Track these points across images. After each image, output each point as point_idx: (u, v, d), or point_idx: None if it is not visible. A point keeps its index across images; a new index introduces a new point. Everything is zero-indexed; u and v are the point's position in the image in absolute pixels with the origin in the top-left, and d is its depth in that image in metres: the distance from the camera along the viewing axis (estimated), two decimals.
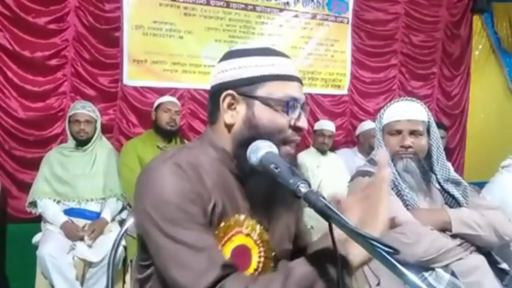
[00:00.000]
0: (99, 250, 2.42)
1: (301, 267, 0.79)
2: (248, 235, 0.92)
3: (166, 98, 2.98)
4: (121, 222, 2.65)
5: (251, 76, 0.90)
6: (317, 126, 3.50)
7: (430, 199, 1.55)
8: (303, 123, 0.93)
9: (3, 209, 2.78)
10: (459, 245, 1.43)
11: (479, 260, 1.44)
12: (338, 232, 0.70)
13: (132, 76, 3.17)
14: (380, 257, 0.65)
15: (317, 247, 0.86)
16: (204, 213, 0.85)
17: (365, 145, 3.56)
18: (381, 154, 0.86)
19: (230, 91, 0.91)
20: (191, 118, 3.39)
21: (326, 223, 0.72)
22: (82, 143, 2.67)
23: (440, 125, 2.81)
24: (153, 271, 0.91)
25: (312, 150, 3.49)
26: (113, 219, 2.63)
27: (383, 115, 1.60)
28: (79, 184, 2.58)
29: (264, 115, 0.89)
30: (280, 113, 0.90)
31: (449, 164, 1.60)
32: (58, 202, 2.56)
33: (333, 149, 3.64)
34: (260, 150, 0.84)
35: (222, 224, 0.89)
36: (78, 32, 3.01)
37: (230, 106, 0.92)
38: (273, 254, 0.96)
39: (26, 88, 2.88)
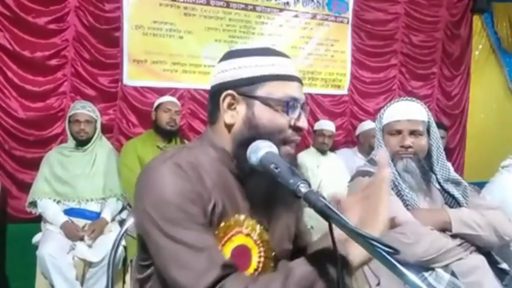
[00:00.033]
0: (99, 250, 2.42)
1: (301, 267, 0.79)
2: (248, 235, 0.92)
3: (166, 98, 2.98)
4: (121, 222, 2.65)
5: (251, 76, 0.90)
6: (317, 126, 3.50)
7: (430, 199, 1.54)
8: (303, 123, 0.93)
9: (3, 209, 2.78)
10: (459, 245, 1.43)
11: (479, 260, 1.44)
12: (338, 232, 0.70)
13: (132, 76, 3.17)
14: (380, 257, 0.65)
15: (317, 247, 0.86)
16: (204, 213, 0.85)
17: (365, 145, 3.56)
18: (381, 154, 0.86)
19: (230, 91, 0.91)
20: (191, 118, 3.39)
21: (326, 223, 0.72)
22: (82, 143, 2.67)
23: (440, 125, 2.80)
24: (153, 271, 0.91)
25: (312, 150, 3.49)
26: (113, 219, 2.63)
27: (383, 115, 1.60)
28: (79, 184, 2.58)
29: (264, 115, 0.89)
30: (280, 113, 0.90)
31: (449, 164, 1.60)
32: (58, 202, 2.56)
33: (333, 149, 3.64)
34: (260, 150, 0.84)
35: (222, 224, 0.89)
36: (78, 32, 3.01)
37: (230, 106, 0.92)
38: (273, 254, 0.96)
39: (26, 88, 2.88)
